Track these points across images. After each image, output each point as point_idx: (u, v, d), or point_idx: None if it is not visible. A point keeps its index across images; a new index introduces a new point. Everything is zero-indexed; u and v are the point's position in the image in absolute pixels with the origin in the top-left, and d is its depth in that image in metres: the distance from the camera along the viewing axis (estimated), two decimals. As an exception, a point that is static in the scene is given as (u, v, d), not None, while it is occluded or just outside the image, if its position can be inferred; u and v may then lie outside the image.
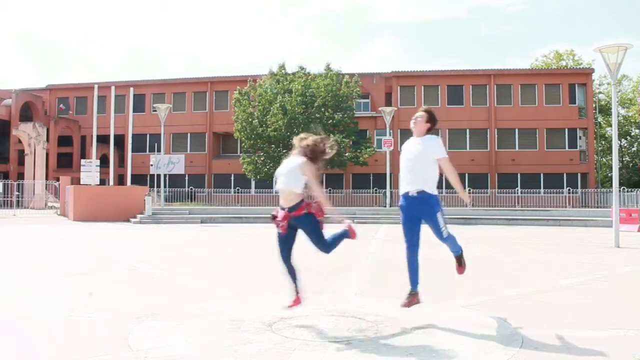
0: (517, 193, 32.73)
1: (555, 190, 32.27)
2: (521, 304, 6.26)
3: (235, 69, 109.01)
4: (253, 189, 36.96)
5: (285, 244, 5.07)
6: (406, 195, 5.16)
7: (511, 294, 6.87)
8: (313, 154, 5.03)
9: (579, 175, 37.87)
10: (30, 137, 37.01)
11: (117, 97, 30.31)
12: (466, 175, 37.78)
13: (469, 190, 33.27)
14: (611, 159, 44.40)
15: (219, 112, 41.93)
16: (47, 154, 38.81)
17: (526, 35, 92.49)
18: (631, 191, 26.86)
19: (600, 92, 50.57)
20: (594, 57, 50.13)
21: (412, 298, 5.21)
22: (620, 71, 13.15)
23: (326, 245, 5.07)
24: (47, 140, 39.02)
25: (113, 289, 7.31)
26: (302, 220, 4.94)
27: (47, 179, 36.69)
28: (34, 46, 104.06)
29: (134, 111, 32.84)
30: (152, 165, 32.79)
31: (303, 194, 4.95)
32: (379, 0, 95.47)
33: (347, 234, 5.20)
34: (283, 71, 35.88)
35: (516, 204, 30.77)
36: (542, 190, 34.01)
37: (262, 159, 33.89)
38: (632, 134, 52.91)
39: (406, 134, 38.49)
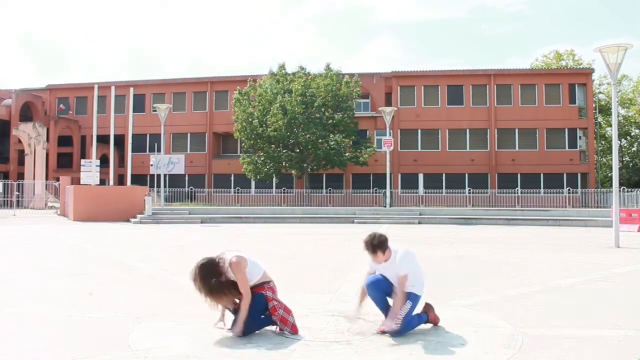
0: (517, 193, 32.68)
1: (555, 190, 32.24)
2: (521, 304, 6.27)
3: (235, 69, 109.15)
4: (253, 189, 36.97)
5: None
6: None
7: (511, 294, 6.87)
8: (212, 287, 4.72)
9: (579, 175, 37.85)
10: (30, 137, 37.00)
11: (117, 97, 30.32)
12: (466, 175, 37.78)
13: (469, 190, 33.30)
14: (611, 159, 44.38)
15: (219, 112, 41.91)
16: (47, 154, 38.76)
17: (526, 35, 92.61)
18: (631, 191, 26.84)
19: (600, 92, 50.52)
20: (594, 57, 50.21)
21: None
22: (620, 71, 13.17)
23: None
24: (47, 140, 38.99)
25: (113, 289, 7.32)
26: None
27: (47, 179, 36.66)
28: (34, 46, 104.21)
29: (134, 111, 32.85)
30: (152, 165, 32.74)
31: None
32: (379, 0, 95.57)
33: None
34: (283, 71, 35.87)
35: (516, 204, 30.74)
36: (542, 190, 33.97)
37: (262, 159, 33.87)
38: (632, 134, 52.88)
39: (406, 134, 38.73)
